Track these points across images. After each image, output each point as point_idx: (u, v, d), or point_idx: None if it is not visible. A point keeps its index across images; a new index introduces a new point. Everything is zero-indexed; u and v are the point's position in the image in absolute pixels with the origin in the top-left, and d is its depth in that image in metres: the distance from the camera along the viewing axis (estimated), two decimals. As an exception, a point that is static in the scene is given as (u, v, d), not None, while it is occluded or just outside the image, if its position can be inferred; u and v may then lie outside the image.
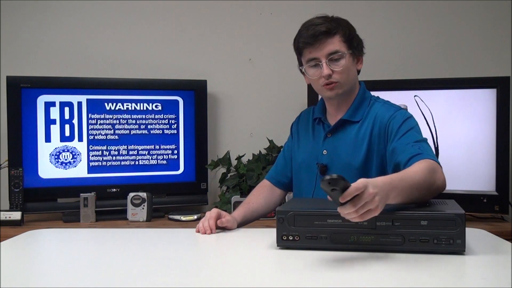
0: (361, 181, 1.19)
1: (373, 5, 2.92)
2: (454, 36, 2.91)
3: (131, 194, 2.59)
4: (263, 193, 1.96)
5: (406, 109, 1.88)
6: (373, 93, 1.91)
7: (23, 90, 2.60)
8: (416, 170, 1.45)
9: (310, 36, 1.72)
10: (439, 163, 1.54)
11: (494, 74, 2.61)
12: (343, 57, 1.73)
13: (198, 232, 1.65)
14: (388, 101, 1.86)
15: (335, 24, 1.74)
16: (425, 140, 1.66)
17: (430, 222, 1.30)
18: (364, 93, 1.85)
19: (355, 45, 1.77)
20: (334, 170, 1.79)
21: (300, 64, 1.83)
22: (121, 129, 2.74)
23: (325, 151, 1.83)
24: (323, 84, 1.75)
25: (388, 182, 1.29)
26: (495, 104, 2.47)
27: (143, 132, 2.77)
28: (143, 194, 2.58)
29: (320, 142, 1.85)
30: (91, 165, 2.71)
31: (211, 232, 1.63)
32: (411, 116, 1.76)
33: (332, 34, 1.73)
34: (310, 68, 1.77)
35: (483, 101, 2.50)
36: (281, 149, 2.08)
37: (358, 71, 1.84)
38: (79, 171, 2.69)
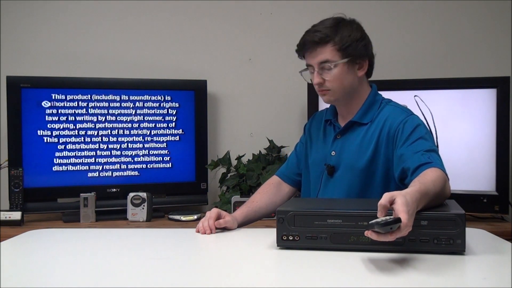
0: (406, 214, 1.18)
1: (373, 5, 2.92)
2: (454, 36, 2.91)
3: (131, 194, 2.59)
4: (269, 191, 1.95)
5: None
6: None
7: (23, 90, 2.60)
8: (434, 180, 1.44)
9: (301, 43, 1.77)
10: (447, 174, 1.54)
11: (494, 74, 2.61)
12: (335, 67, 1.73)
13: (198, 232, 1.65)
14: (399, 105, 1.84)
15: (330, 32, 1.73)
16: (436, 150, 1.65)
17: (430, 222, 1.30)
18: (375, 95, 1.84)
19: (354, 53, 1.75)
20: (341, 171, 1.79)
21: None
22: (121, 128, 2.74)
23: (333, 152, 1.83)
24: (317, 90, 1.78)
25: (418, 198, 1.28)
26: (495, 104, 2.48)
27: (143, 132, 2.77)
28: (143, 194, 2.58)
29: (329, 143, 1.85)
30: (91, 165, 2.71)
31: (211, 232, 1.63)
32: (422, 123, 1.74)
33: (323, 44, 1.73)
34: (309, 73, 1.80)
35: (483, 101, 2.50)
36: (294, 148, 2.06)
37: (363, 76, 1.82)
38: (79, 171, 2.69)
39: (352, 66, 1.77)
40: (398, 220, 1.17)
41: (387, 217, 1.19)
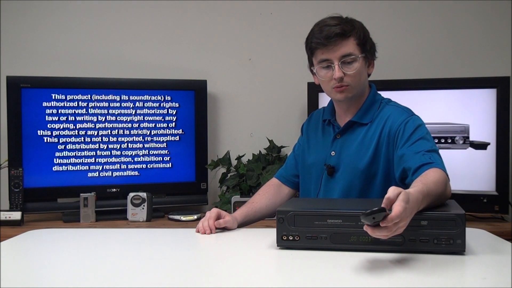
0: (400, 207, 1.16)
1: (373, 5, 2.92)
2: (454, 36, 2.91)
3: (131, 194, 2.59)
4: (269, 193, 1.95)
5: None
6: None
7: (23, 90, 2.60)
8: (436, 180, 1.44)
9: (324, 37, 1.70)
10: (448, 175, 1.54)
11: (494, 74, 2.62)
12: (356, 60, 1.72)
13: (198, 232, 1.65)
14: (400, 105, 1.83)
15: (350, 26, 1.72)
16: (437, 150, 1.64)
17: (430, 222, 1.30)
18: (374, 95, 1.84)
19: (368, 49, 1.76)
20: (341, 172, 1.79)
21: (311, 63, 1.81)
22: (121, 129, 2.74)
23: (333, 152, 1.82)
24: (334, 86, 1.74)
25: (420, 199, 1.27)
26: (495, 104, 2.48)
27: (143, 132, 2.77)
28: (143, 194, 2.58)
29: (329, 143, 1.84)
30: (91, 165, 2.71)
31: (211, 232, 1.63)
32: (423, 123, 1.74)
33: (347, 37, 1.71)
34: (322, 69, 1.75)
35: (483, 101, 2.50)
36: (292, 149, 2.06)
37: (369, 75, 1.83)
38: (79, 171, 2.69)
39: (366, 63, 1.77)
40: (382, 209, 1.14)
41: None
